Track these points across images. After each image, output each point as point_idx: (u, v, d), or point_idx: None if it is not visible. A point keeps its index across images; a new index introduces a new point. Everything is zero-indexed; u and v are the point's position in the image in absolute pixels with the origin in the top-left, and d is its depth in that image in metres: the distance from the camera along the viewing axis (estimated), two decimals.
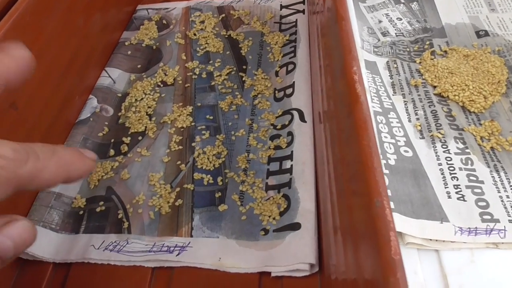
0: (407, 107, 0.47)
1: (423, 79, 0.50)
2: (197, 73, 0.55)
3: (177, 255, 0.37)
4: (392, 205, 0.37)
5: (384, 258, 0.21)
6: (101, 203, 0.42)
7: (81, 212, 0.42)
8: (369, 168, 0.24)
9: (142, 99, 0.52)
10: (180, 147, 0.46)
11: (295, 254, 0.35)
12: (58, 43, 0.46)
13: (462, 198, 0.38)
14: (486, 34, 0.55)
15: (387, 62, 0.53)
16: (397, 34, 0.57)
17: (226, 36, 0.60)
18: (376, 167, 0.24)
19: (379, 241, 0.21)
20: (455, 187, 0.39)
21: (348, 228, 0.28)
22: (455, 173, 0.40)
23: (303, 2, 0.63)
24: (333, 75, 0.36)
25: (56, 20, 0.46)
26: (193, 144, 0.46)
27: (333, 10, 0.37)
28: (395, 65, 0.52)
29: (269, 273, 0.36)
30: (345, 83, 0.30)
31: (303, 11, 0.61)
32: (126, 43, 0.61)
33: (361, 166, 0.25)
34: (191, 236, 0.38)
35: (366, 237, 0.23)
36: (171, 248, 0.37)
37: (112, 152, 0.47)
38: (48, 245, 0.39)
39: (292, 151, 0.43)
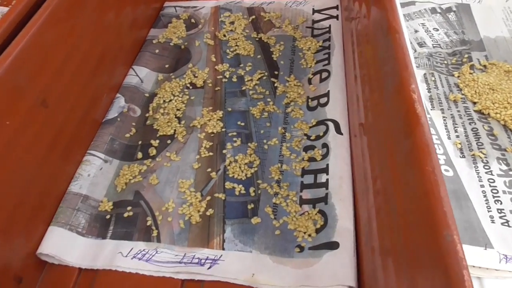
0: (446, 123, 0.45)
1: (463, 94, 0.48)
2: (228, 76, 0.54)
3: (208, 268, 0.35)
4: None
5: None
6: (129, 208, 0.41)
7: (108, 217, 0.40)
8: (435, 198, 0.22)
9: (170, 100, 0.51)
10: (211, 153, 0.45)
11: (333, 275, 0.33)
12: (90, 38, 0.45)
13: (506, 224, 0.37)
14: None
15: (425, 74, 0.51)
16: (434, 45, 0.55)
17: (257, 39, 0.59)
18: (443, 197, 0.23)
19: (452, 281, 0.20)
20: (499, 211, 0.37)
21: (402, 252, 0.26)
22: (499, 196, 0.38)
23: (337, 8, 0.61)
24: (381, 87, 0.34)
25: (89, 13, 0.45)
26: (224, 151, 0.45)
27: (383, 20, 0.36)
28: (433, 78, 0.50)
29: None
30: (402, 101, 0.28)
31: (336, 17, 0.60)
32: (154, 41, 0.59)
33: (425, 194, 0.23)
34: (223, 248, 0.37)
35: (432, 270, 0.22)
36: (202, 261, 0.36)
37: (140, 154, 0.45)
38: (74, 249, 0.38)
39: (327, 164, 0.41)
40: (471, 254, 0.35)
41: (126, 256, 0.37)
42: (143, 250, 0.37)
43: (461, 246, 0.21)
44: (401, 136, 0.28)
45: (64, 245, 0.37)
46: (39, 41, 0.37)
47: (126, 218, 0.40)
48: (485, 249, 0.35)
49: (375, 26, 0.39)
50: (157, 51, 0.58)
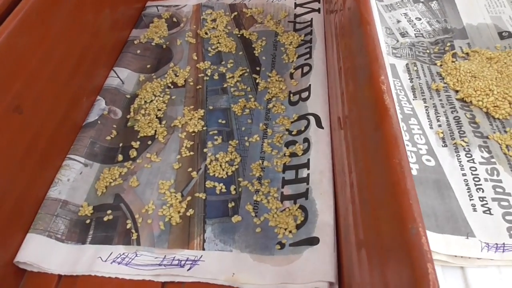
0: (429, 112, 0.45)
1: (445, 83, 0.48)
2: (209, 74, 0.53)
3: (188, 269, 0.35)
4: None
5: None
6: (109, 211, 0.40)
7: (88, 221, 0.40)
8: (401, 190, 0.22)
9: (151, 101, 0.50)
10: (192, 153, 0.45)
11: (313, 271, 0.33)
12: (66, 41, 0.45)
13: (488, 212, 0.36)
14: (510, 35, 0.52)
15: (407, 64, 0.50)
16: (417, 35, 0.55)
17: (239, 35, 0.58)
18: (409, 189, 0.22)
19: (416, 273, 0.19)
20: (481, 199, 0.37)
21: (374, 244, 0.26)
22: (481, 185, 0.38)
23: (319, 1, 0.60)
24: (356, 80, 0.34)
25: (64, 16, 0.44)
26: (205, 150, 0.45)
27: (356, 12, 0.35)
28: (415, 68, 0.50)
29: None
30: (371, 92, 0.28)
31: (318, 10, 0.59)
32: (135, 42, 0.59)
33: (392, 186, 0.23)
34: (203, 249, 0.37)
35: (398, 259, 0.21)
36: (182, 262, 0.36)
37: (120, 157, 0.45)
38: (53, 256, 0.37)
39: (308, 159, 0.41)
40: (453, 244, 0.34)
41: (105, 261, 0.36)
42: (123, 253, 0.37)
43: (426, 239, 0.20)
44: (372, 127, 0.28)
45: (43, 252, 0.37)
46: (11, 46, 0.37)
47: (106, 222, 0.40)
48: (467, 238, 0.35)
49: (350, 18, 0.39)
50: (138, 51, 0.58)
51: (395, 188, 0.22)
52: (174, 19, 0.63)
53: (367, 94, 0.30)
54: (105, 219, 0.40)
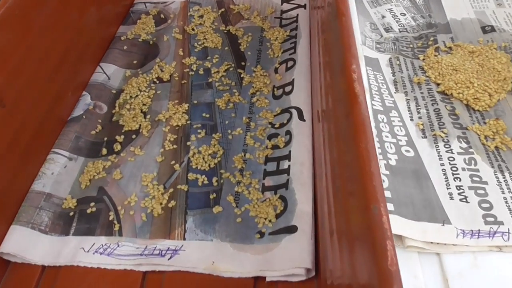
0: (409, 105, 0.45)
1: (427, 76, 0.48)
2: (194, 69, 0.54)
3: (169, 258, 0.36)
4: (392, 207, 0.35)
5: (381, 269, 0.19)
6: (92, 204, 0.41)
7: (71, 214, 0.40)
8: (366, 172, 0.23)
9: (137, 96, 0.51)
10: (175, 146, 0.45)
11: (291, 258, 0.34)
12: (50, 37, 0.45)
13: (465, 200, 0.37)
14: (493, 29, 0.53)
15: (390, 58, 0.51)
16: (401, 30, 0.55)
17: (225, 31, 0.59)
18: (373, 171, 0.23)
19: (376, 250, 0.20)
20: (458, 188, 0.38)
21: (344, 231, 0.26)
22: (458, 174, 0.39)
23: None
24: (332, 73, 0.35)
25: (48, 13, 0.45)
26: (188, 143, 0.45)
27: (334, 5, 0.36)
28: (398, 62, 0.50)
29: (264, 278, 0.34)
30: (344, 81, 0.29)
31: (304, 6, 0.60)
32: (122, 38, 0.59)
33: (358, 170, 0.23)
34: (184, 239, 0.37)
35: (362, 243, 0.22)
36: (163, 252, 0.36)
37: (104, 151, 0.46)
38: (37, 247, 0.38)
39: (290, 151, 0.42)
40: (430, 231, 0.35)
41: (88, 251, 0.37)
42: (105, 244, 0.37)
43: (387, 218, 0.21)
44: (343, 115, 0.28)
45: (27, 244, 0.38)
46: None
47: (89, 214, 0.40)
48: (443, 225, 0.35)
49: (329, 13, 0.39)
50: (125, 47, 0.58)
51: (361, 170, 0.23)
52: (162, 16, 0.63)
53: (341, 84, 0.30)
54: (88, 211, 0.40)
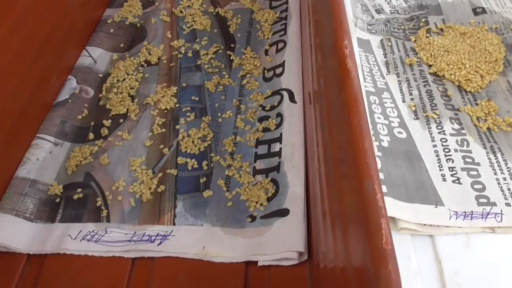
0: (401, 86, 0.45)
1: (418, 57, 0.48)
2: (183, 52, 0.52)
3: (158, 244, 0.35)
4: (384, 189, 0.35)
5: (375, 248, 0.19)
6: (79, 190, 0.40)
7: (57, 200, 0.39)
8: (359, 149, 0.22)
9: (124, 79, 0.50)
10: (163, 130, 0.44)
11: (283, 241, 0.33)
12: (34, 17, 0.43)
13: (457, 181, 0.37)
14: (484, 11, 0.53)
15: (381, 40, 0.50)
16: (392, 11, 0.55)
17: (214, 13, 0.58)
18: (367, 148, 0.22)
19: (370, 229, 0.19)
20: (450, 169, 0.37)
21: (337, 213, 0.26)
22: (451, 155, 0.38)
23: None
24: (324, 53, 0.34)
25: None
26: (177, 126, 0.44)
27: None
28: (390, 44, 0.50)
29: (256, 262, 0.34)
30: (336, 58, 0.28)
31: None
32: (109, 21, 0.58)
33: (351, 147, 0.23)
34: (174, 224, 0.36)
35: (356, 223, 0.22)
36: (153, 237, 0.35)
37: (91, 136, 0.44)
38: (22, 235, 0.36)
39: (281, 133, 0.41)
40: (423, 213, 0.35)
41: (74, 239, 0.36)
42: (92, 231, 0.36)
43: (381, 196, 0.20)
44: (335, 93, 0.28)
45: (11, 232, 0.36)
46: None
47: (76, 200, 0.39)
48: (436, 207, 0.35)
49: None
50: (112, 30, 0.57)
51: (354, 147, 0.22)
52: None
53: (332, 61, 0.29)
54: (75, 197, 0.39)
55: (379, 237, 0.19)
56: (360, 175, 0.21)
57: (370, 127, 0.39)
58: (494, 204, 0.34)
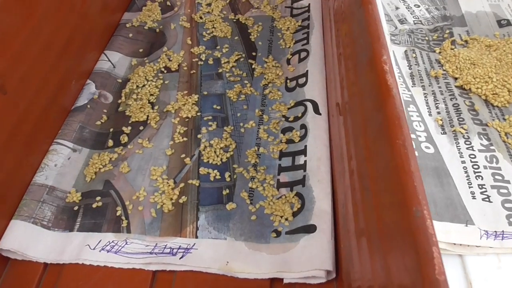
0: (427, 99, 0.44)
1: (444, 70, 0.47)
2: (204, 59, 0.52)
3: (180, 258, 0.34)
4: None
5: (427, 278, 0.18)
6: (98, 198, 0.39)
7: (76, 208, 0.38)
8: (405, 172, 0.21)
9: (144, 85, 0.49)
10: (185, 138, 0.43)
11: (310, 259, 0.32)
12: (54, 22, 0.43)
13: (487, 199, 0.36)
14: (509, 23, 0.52)
15: (405, 51, 0.49)
16: (415, 22, 0.54)
17: (234, 20, 0.57)
18: (413, 171, 0.21)
19: (421, 257, 0.18)
20: (480, 187, 0.36)
21: (375, 232, 0.25)
22: (480, 172, 0.37)
23: None
24: (357, 65, 0.33)
25: None
26: (199, 136, 0.43)
27: None
28: (414, 55, 0.49)
29: (281, 279, 0.33)
30: (373, 73, 0.27)
31: None
32: (128, 25, 0.57)
33: (396, 169, 0.22)
34: (196, 237, 0.35)
35: (403, 247, 0.21)
36: (174, 250, 0.34)
37: (111, 142, 0.44)
38: (39, 243, 0.36)
39: (305, 146, 0.40)
40: (452, 232, 0.34)
41: (94, 249, 0.35)
42: (112, 241, 0.35)
43: (431, 222, 0.19)
44: (374, 110, 0.27)
45: (28, 240, 0.36)
46: None
47: (95, 209, 0.38)
48: (466, 225, 0.34)
49: (350, 1, 0.38)
50: (130, 35, 0.56)
51: (399, 170, 0.21)
52: (168, 3, 0.61)
53: (369, 76, 0.29)
54: (94, 206, 0.38)
55: (431, 266, 0.18)
56: (407, 199, 0.20)
57: None
58: None
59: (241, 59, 0.51)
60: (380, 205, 0.24)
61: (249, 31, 0.55)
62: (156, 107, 0.47)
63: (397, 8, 0.55)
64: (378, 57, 0.27)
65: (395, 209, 0.22)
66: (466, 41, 0.50)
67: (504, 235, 0.33)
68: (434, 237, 0.19)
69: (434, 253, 0.18)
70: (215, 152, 0.41)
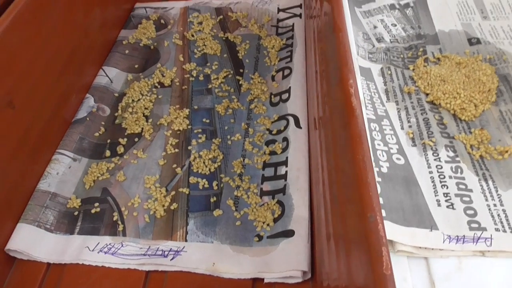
0: (400, 114, 0.47)
1: (416, 86, 0.50)
2: (195, 75, 0.55)
3: (171, 259, 0.37)
4: (383, 213, 0.37)
5: (376, 273, 0.21)
6: (96, 204, 0.42)
7: (76, 213, 0.42)
8: (363, 183, 0.25)
9: (139, 99, 0.52)
10: (176, 150, 0.47)
11: (288, 261, 0.36)
12: (58, 40, 0.47)
13: (451, 206, 0.39)
14: (478, 41, 0.55)
15: (381, 68, 0.53)
16: (392, 40, 0.57)
17: (224, 38, 0.61)
18: (370, 182, 0.25)
19: (372, 255, 0.22)
20: (445, 195, 0.40)
21: (341, 236, 0.28)
22: (445, 181, 0.41)
23: (300, 6, 0.63)
24: (329, 82, 0.37)
25: (56, 15, 0.46)
26: (189, 147, 0.47)
27: (331, 18, 0.38)
28: (389, 72, 0.52)
29: (262, 279, 0.36)
30: (341, 94, 0.31)
31: (300, 15, 0.62)
32: (124, 42, 0.61)
33: (355, 180, 0.25)
34: (186, 240, 0.39)
35: (359, 247, 0.24)
36: (166, 252, 0.38)
37: (108, 153, 0.47)
38: (43, 245, 0.39)
39: (287, 157, 0.44)
40: (419, 236, 0.37)
41: (92, 250, 0.38)
42: (109, 244, 0.39)
43: (382, 226, 0.23)
44: (341, 127, 0.30)
45: (33, 241, 0.39)
46: (4, 44, 0.39)
47: (94, 214, 0.42)
48: (431, 230, 0.37)
49: (325, 23, 0.41)
50: (127, 51, 0.60)
51: (358, 181, 0.25)
52: (162, 21, 0.65)
53: (338, 95, 0.32)
54: (93, 211, 0.42)
55: (380, 263, 0.21)
56: (363, 206, 0.24)
57: (371, 153, 0.42)
58: (485, 229, 0.37)
59: (229, 76, 0.55)
60: (345, 211, 0.28)
61: (237, 48, 0.59)
62: (150, 120, 0.50)
63: (375, 27, 0.59)
64: (346, 80, 0.31)
65: (355, 215, 0.25)
66: (438, 59, 0.54)
67: (465, 239, 0.36)
68: (384, 239, 0.22)
69: (383, 251, 0.22)
70: (204, 162, 0.45)
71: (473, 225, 0.37)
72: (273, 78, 0.54)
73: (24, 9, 0.41)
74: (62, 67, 0.47)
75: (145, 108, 0.51)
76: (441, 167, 0.42)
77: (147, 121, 0.50)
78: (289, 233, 0.38)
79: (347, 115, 0.29)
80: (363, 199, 0.24)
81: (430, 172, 0.42)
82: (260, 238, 0.38)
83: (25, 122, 0.41)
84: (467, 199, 0.39)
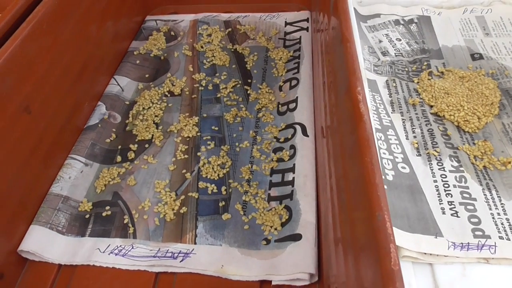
0: (405, 125, 0.49)
1: (421, 98, 0.52)
2: (204, 84, 0.57)
3: (180, 261, 0.38)
4: None
5: (384, 269, 0.22)
6: (107, 207, 0.43)
7: (87, 216, 0.43)
8: (371, 184, 0.26)
9: (149, 107, 0.54)
10: (186, 156, 0.48)
11: (295, 263, 0.36)
12: (72, 50, 0.48)
13: (455, 214, 0.39)
14: (481, 57, 0.57)
15: (387, 81, 0.54)
16: (396, 54, 0.59)
17: (232, 50, 0.62)
18: (377, 183, 0.26)
19: (380, 253, 0.23)
20: (449, 203, 0.40)
21: (349, 240, 0.29)
22: (450, 190, 0.42)
23: (307, 20, 0.65)
24: (337, 93, 0.38)
25: (71, 27, 0.48)
26: (198, 153, 0.48)
27: (338, 31, 0.39)
28: (394, 84, 0.54)
29: (270, 281, 0.37)
30: (349, 102, 0.32)
31: (307, 29, 0.64)
32: (135, 53, 0.63)
33: (363, 182, 0.26)
34: (195, 243, 0.40)
35: (367, 249, 0.25)
36: (175, 254, 0.38)
37: (119, 158, 0.48)
38: (54, 246, 0.40)
39: (294, 164, 0.45)
40: (424, 243, 0.37)
41: (103, 252, 0.39)
42: (120, 246, 0.40)
43: (390, 224, 0.24)
44: (349, 133, 0.31)
45: (45, 243, 0.40)
46: (23, 52, 0.40)
47: (105, 217, 0.43)
48: (436, 237, 0.38)
49: (333, 37, 0.43)
50: (138, 61, 0.61)
51: (366, 182, 0.26)
52: (172, 33, 0.66)
53: (346, 104, 0.33)
54: (104, 214, 0.43)
55: (388, 259, 0.22)
56: (371, 206, 0.25)
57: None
58: (489, 237, 0.37)
59: (238, 86, 0.56)
60: (354, 216, 0.29)
61: (245, 60, 0.60)
62: (160, 127, 0.51)
63: (380, 41, 0.61)
64: (354, 88, 0.32)
65: (363, 217, 0.26)
66: (442, 72, 0.55)
67: (469, 247, 0.37)
68: (392, 236, 0.23)
69: (391, 248, 0.23)
70: (212, 168, 0.46)
71: (477, 232, 0.38)
72: (280, 88, 0.55)
73: (42, 20, 0.43)
74: (76, 75, 0.49)
75: (155, 116, 0.53)
76: (446, 176, 0.43)
77: (157, 128, 0.51)
78: (297, 237, 0.38)
79: (356, 120, 0.30)
80: (371, 199, 0.25)
81: (435, 181, 0.42)
82: (268, 241, 0.39)
83: (40, 128, 0.42)
84: (471, 207, 0.40)
